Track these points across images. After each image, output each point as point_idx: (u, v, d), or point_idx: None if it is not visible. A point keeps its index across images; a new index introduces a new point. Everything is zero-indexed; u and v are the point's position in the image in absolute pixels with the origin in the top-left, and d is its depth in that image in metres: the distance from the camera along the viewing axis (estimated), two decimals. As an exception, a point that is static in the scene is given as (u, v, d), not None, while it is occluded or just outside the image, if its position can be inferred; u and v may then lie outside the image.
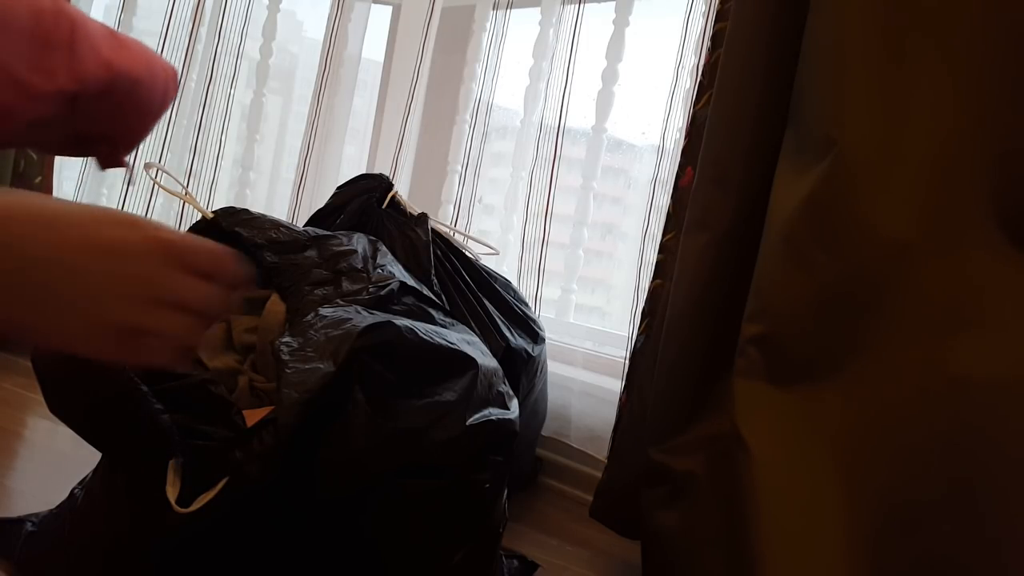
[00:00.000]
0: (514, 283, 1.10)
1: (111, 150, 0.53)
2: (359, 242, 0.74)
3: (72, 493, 0.68)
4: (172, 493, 0.52)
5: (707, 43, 0.89)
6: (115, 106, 0.50)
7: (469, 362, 0.64)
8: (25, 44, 0.43)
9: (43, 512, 0.70)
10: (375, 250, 0.75)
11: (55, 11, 0.45)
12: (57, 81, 0.45)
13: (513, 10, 1.38)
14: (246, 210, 0.74)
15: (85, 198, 1.69)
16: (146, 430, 0.54)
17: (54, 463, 0.89)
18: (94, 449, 0.66)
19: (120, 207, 1.58)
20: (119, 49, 0.49)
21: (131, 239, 0.36)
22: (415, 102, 1.45)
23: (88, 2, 1.77)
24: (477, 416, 0.62)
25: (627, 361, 0.95)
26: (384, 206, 0.95)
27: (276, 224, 0.73)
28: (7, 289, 0.33)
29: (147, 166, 0.81)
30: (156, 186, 1.17)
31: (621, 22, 1.29)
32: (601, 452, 1.09)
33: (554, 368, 1.13)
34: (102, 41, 0.48)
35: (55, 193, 1.51)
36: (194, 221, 0.75)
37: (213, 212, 0.73)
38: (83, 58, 0.46)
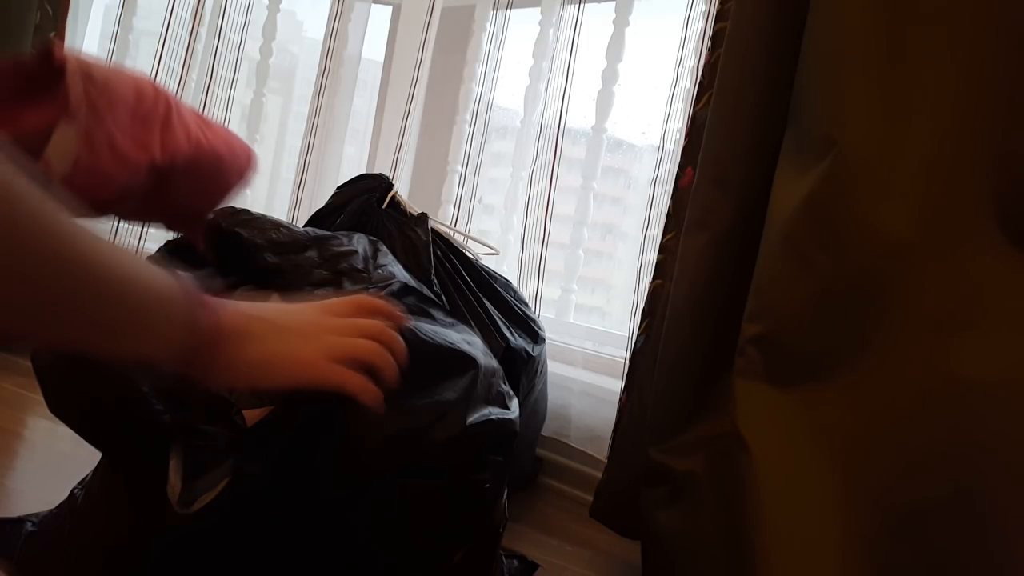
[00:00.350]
0: (514, 283, 1.10)
1: (187, 221, 0.60)
2: (360, 242, 0.74)
3: (72, 493, 0.68)
4: (173, 493, 0.52)
5: (707, 43, 0.89)
6: (198, 180, 0.56)
7: (470, 362, 0.64)
8: (128, 119, 0.49)
9: (43, 512, 0.70)
10: (376, 250, 0.75)
11: (155, 93, 0.51)
12: (152, 154, 0.51)
13: (513, 10, 1.38)
14: (246, 210, 0.74)
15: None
16: (146, 430, 0.54)
17: (54, 463, 0.89)
18: (94, 449, 0.66)
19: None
20: (206, 129, 0.55)
21: (316, 305, 0.51)
22: (415, 102, 1.45)
23: (88, 2, 1.77)
24: (477, 416, 0.62)
25: (627, 361, 0.95)
26: (384, 206, 0.94)
27: (276, 224, 0.73)
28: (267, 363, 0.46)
29: None
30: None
31: (621, 22, 1.29)
32: (601, 452, 1.09)
33: (554, 368, 1.13)
34: (192, 121, 0.54)
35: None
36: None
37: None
38: (175, 135, 0.52)
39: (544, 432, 1.14)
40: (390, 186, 0.97)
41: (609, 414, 0.97)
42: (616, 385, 1.07)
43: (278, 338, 0.46)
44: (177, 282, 0.41)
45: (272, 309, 0.48)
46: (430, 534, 0.59)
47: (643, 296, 0.89)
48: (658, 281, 0.84)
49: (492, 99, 1.38)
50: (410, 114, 1.44)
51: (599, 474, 0.90)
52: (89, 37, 1.80)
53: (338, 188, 0.99)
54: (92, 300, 0.36)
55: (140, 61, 1.73)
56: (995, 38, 0.53)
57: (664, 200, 1.10)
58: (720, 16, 0.77)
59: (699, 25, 1.13)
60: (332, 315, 0.51)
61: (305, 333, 0.48)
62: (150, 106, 0.51)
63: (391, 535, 0.58)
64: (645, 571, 0.75)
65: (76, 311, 0.36)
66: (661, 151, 1.15)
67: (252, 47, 1.61)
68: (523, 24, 1.39)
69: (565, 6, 1.32)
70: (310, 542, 0.55)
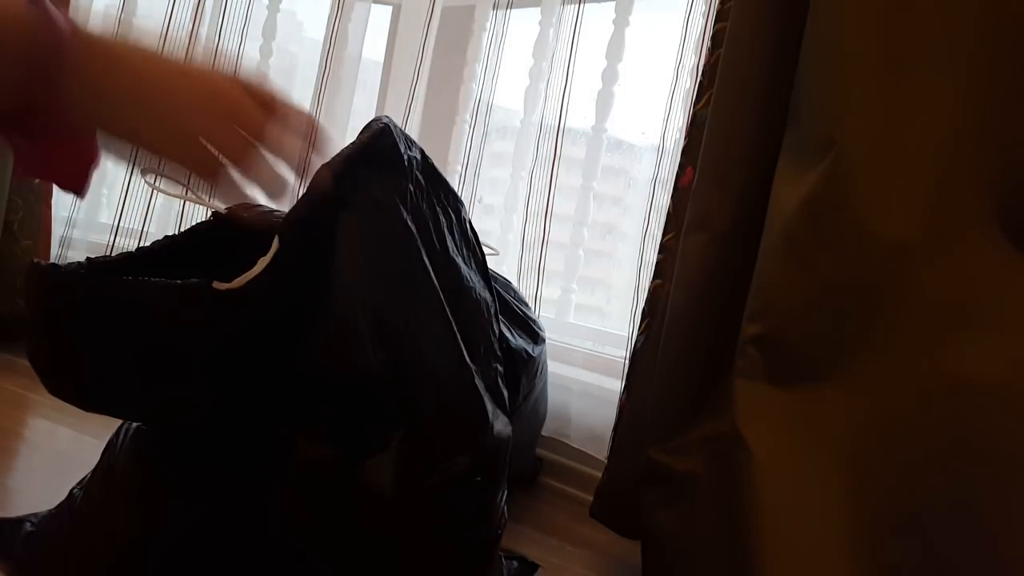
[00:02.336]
0: (514, 283, 1.10)
1: None
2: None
3: (72, 493, 0.68)
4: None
5: (707, 43, 0.89)
6: None
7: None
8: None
9: (43, 512, 0.70)
10: None
11: None
12: None
13: (513, 10, 1.38)
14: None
15: (85, 201, 1.69)
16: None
17: (54, 463, 0.89)
18: (94, 449, 0.66)
19: (119, 206, 1.58)
20: None
21: (214, 70, 0.46)
22: (415, 102, 1.45)
23: (88, 2, 1.77)
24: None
25: (627, 361, 0.95)
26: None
27: None
28: (124, 102, 0.42)
29: (144, 171, 0.80)
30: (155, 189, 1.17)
31: (621, 22, 1.29)
32: (601, 452, 1.09)
33: (554, 368, 1.13)
34: None
35: (54, 193, 1.51)
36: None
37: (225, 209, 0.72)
38: None
39: (544, 432, 1.14)
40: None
41: (609, 414, 0.96)
42: (616, 385, 1.07)
43: (145, 116, 0.43)
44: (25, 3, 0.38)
45: (159, 70, 0.43)
46: (428, 535, 0.59)
47: (643, 296, 0.88)
48: (658, 281, 0.84)
49: (492, 99, 1.38)
50: (410, 114, 1.44)
51: (599, 474, 0.90)
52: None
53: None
54: None
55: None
56: (995, 37, 0.53)
57: (664, 200, 1.10)
58: (720, 16, 0.77)
59: (699, 25, 1.13)
60: (235, 87, 0.46)
61: (169, 115, 0.43)
62: None
63: (392, 537, 0.57)
64: (645, 571, 0.75)
65: None
66: (661, 151, 1.15)
67: (252, 47, 1.61)
68: (523, 24, 1.39)
69: (565, 6, 1.32)
70: (311, 540, 0.55)
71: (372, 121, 0.62)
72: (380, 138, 0.61)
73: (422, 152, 0.67)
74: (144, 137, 0.43)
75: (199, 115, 0.44)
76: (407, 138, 0.65)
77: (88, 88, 0.40)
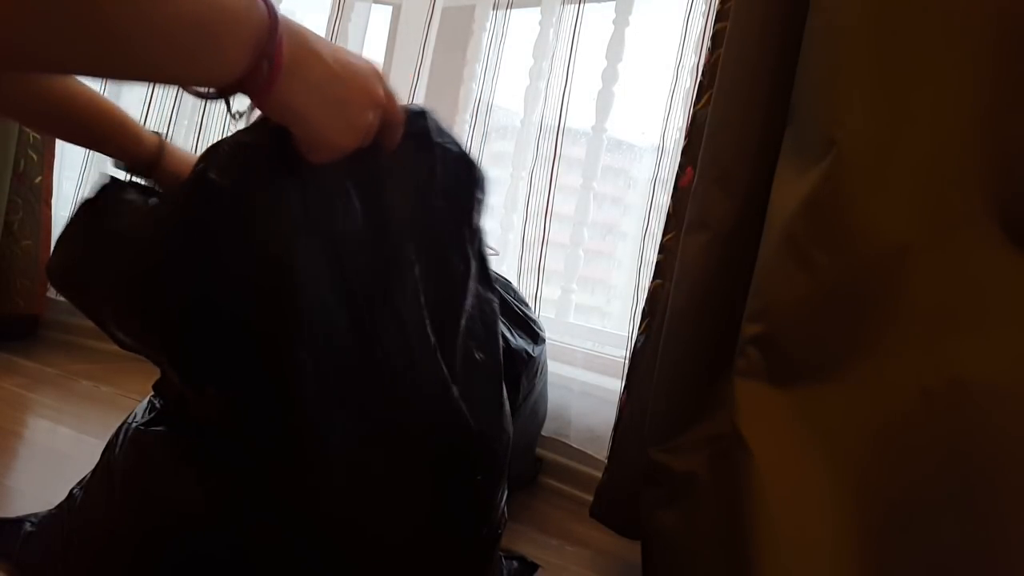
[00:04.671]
0: (514, 283, 1.10)
1: None
2: None
3: (71, 493, 0.68)
4: None
5: (707, 43, 0.89)
6: None
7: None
8: None
9: (43, 512, 0.70)
10: None
11: None
12: None
13: (513, 10, 1.38)
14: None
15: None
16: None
17: (54, 463, 0.89)
18: (94, 449, 0.66)
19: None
20: None
21: (367, 65, 0.53)
22: (415, 102, 1.45)
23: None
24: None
25: (627, 361, 0.95)
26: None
27: None
28: (308, 92, 0.47)
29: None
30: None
31: (621, 22, 1.29)
32: (601, 452, 1.09)
33: (554, 368, 1.13)
34: None
35: (54, 193, 1.51)
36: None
37: None
38: None
39: (544, 432, 1.14)
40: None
41: (609, 414, 0.97)
42: (616, 385, 1.07)
43: (325, 95, 0.48)
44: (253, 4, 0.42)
45: (332, 55, 0.49)
46: (428, 533, 0.59)
47: (643, 296, 0.88)
48: (658, 281, 0.84)
49: (492, 99, 1.38)
50: (410, 114, 1.44)
51: (599, 474, 0.90)
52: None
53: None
54: (172, 30, 0.38)
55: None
56: (996, 37, 0.53)
57: (664, 200, 1.10)
58: (720, 16, 0.77)
59: (699, 25, 1.13)
60: (380, 80, 0.54)
61: (349, 101, 0.50)
62: None
63: (389, 535, 0.57)
64: (645, 571, 0.75)
65: (156, 42, 0.37)
66: (661, 151, 1.15)
67: (252, 47, 1.61)
68: (523, 24, 1.39)
69: (565, 6, 1.32)
70: (310, 539, 0.55)
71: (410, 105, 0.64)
72: (415, 118, 0.62)
73: (459, 146, 0.69)
74: (315, 124, 0.49)
75: (364, 111, 0.52)
76: (441, 129, 0.67)
77: (287, 75, 0.45)
